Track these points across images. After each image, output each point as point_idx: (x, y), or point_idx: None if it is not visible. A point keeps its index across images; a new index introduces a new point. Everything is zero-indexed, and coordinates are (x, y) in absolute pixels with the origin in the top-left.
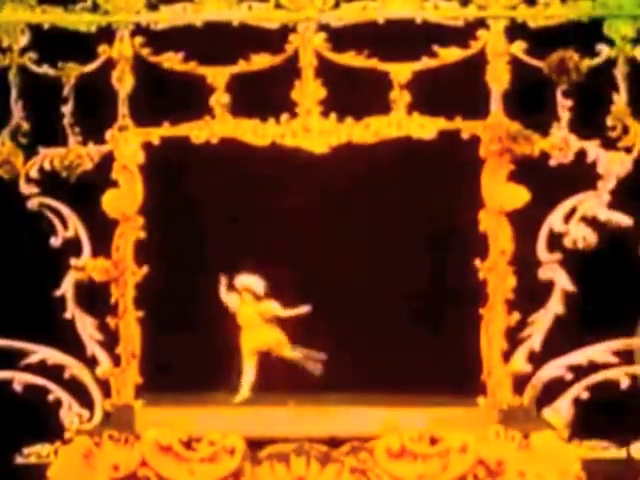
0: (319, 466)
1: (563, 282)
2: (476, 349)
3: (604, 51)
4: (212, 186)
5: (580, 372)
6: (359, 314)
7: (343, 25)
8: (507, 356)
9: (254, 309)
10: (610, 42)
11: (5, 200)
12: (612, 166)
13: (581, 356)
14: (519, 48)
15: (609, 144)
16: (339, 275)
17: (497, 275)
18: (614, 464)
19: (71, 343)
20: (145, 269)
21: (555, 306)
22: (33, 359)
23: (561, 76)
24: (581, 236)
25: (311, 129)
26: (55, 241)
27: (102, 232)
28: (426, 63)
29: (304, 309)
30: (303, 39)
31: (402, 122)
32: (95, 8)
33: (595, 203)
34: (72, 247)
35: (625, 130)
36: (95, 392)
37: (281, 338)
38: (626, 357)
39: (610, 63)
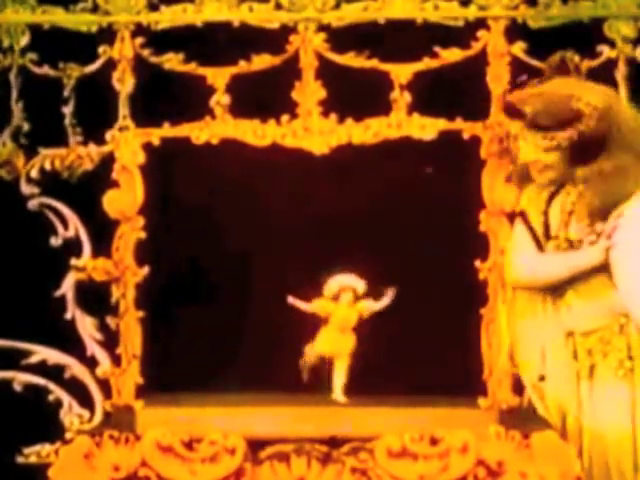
0: (320, 466)
1: None
2: (476, 349)
3: (605, 52)
4: (212, 186)
5: None
6: None
7: (343, 25)
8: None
9: (350, 311)
10: (611, 43)
11: (6, 200)
12: None
13: None
14: (520, 49)
15: None
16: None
17: (497, 275)
18: None
19: (71, 343)
20: (145, 269)
21: None
22: (33, 359)
23: (561, 77)
24: None
25: (311, 130)
26: (55, 241)
27: (102, 232)
28: (427, 63)
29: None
30: (303, 40)
31: (402, 123)
32: (96, 8)
33: None
34: (72, 247)
35: None
36: (95, 392)
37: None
38: None
39: (611, 64)
